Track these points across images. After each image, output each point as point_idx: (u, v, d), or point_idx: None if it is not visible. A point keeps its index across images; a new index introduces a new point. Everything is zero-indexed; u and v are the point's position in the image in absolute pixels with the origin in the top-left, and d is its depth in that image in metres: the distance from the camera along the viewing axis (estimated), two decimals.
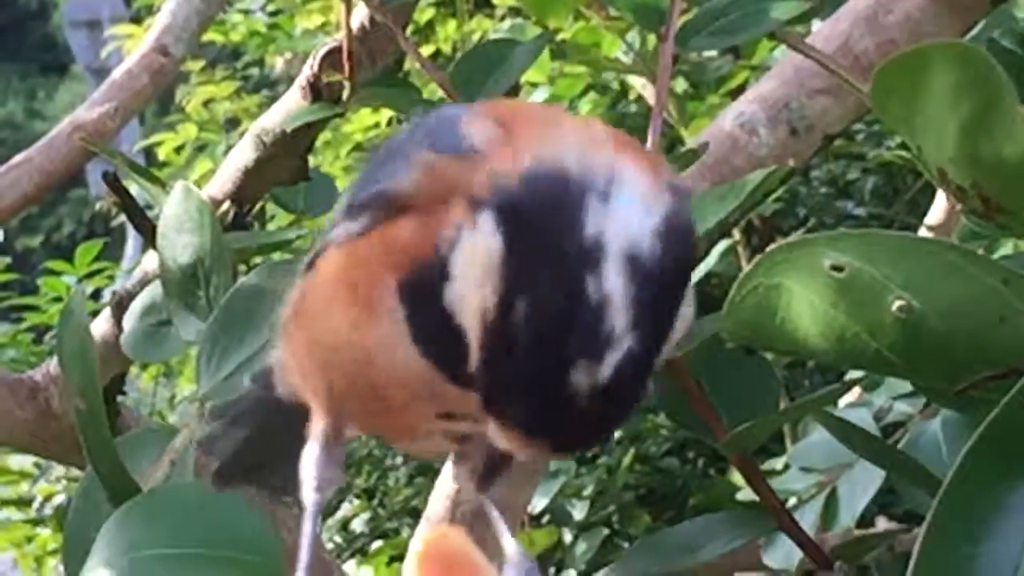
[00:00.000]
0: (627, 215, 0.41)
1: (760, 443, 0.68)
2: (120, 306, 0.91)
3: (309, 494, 0.56)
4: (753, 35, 0.73)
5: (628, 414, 0.42)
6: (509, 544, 0.55)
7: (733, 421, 0.66)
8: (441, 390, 0.47)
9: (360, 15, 0.80)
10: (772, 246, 0.55)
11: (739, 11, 0.72)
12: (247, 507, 0.62)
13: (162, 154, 2.52)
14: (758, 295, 0.55)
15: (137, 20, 2.73)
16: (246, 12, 2.47)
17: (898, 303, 0.51)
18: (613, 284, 0.40)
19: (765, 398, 0.69)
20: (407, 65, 0.93)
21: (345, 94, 0.80)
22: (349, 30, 0.78)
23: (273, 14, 2.51)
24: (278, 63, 2.61)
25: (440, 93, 0.74)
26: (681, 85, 1.96)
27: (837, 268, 0.52)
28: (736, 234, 1.61)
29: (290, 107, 0.86)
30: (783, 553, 0.81)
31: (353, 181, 0.53)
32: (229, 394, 0.70)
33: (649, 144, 0.70)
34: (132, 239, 4.71)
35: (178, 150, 2.53)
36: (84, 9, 11.21)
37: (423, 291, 0.44)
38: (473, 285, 0.42)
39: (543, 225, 0.41)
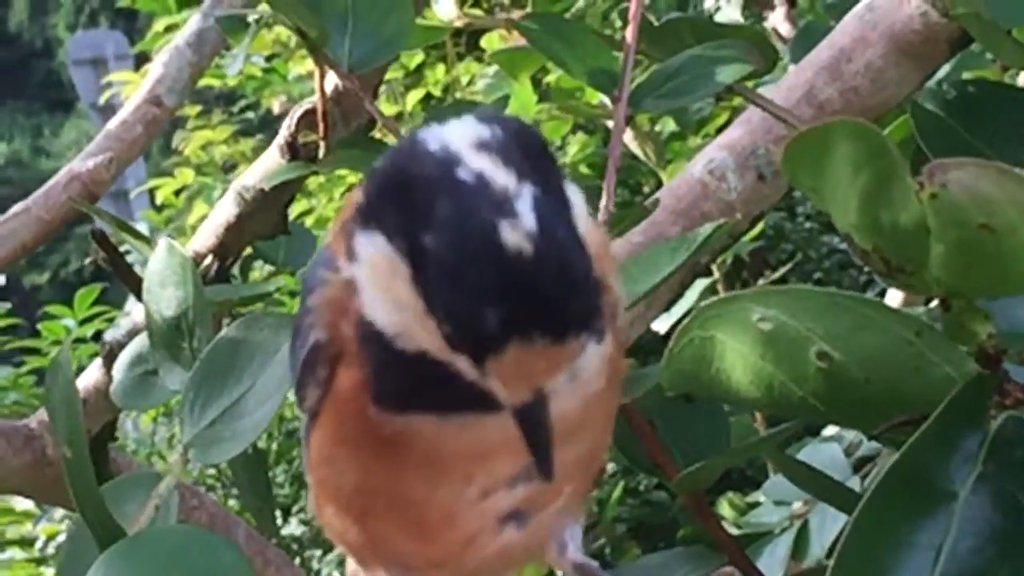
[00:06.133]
0: (458, 129, 0.44)
1: (711, 482, 0.71)
2: (111, 356, 0.94)
3: None
4: (701, 97, 0.77)
5: (584, 267, 0.43)
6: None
7: (685, 461, 0.69)
8: (452, 470, 0.50)
9: (334, 78, 0.83)
10: (709, 300, 0.58)
11: (688, 74, 0.76)
12: (228, 549, 0.65)
13: (160, 197, 2.56)
14: (694, 347, 0.58)
15: (141, 60, 2.76)
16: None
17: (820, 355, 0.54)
18: (477, 161, 0.42)
19: (716, 439, 0.72)
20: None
21: (320, 153, 0.84)
22: (323, 93, 0.82)
23: (269, 58, 2.54)
24: (275, 105, 2.64)
25: None
26: (671, 125, 1.99)
27: (765, 321, 0.55)
28: (715, 272, 1.64)
29: (269, 165, 0.90)
30: None
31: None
32: (211, 442, 0.73)
33: (604, 201, 0.74)
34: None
35: (178, 193, 2.57)
36: (88, 47, 11.21)
37: (382, 368, 0.48)
38: (386, 277, 0.44)
39: (398, 181, 0.44)
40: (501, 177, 0.42)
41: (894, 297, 1.26)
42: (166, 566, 0.63)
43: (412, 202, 0.43)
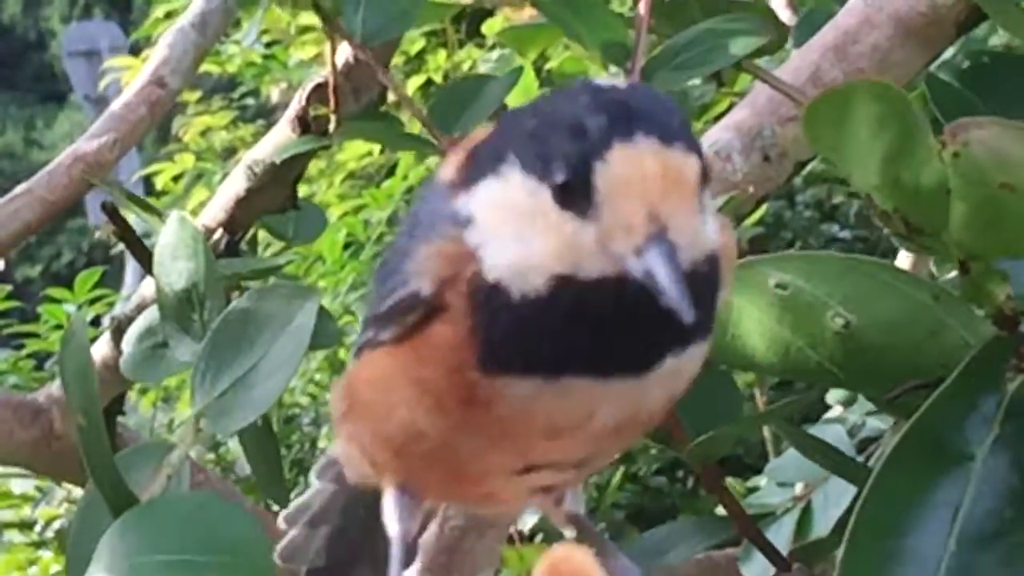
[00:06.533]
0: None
1: (723, 452, 0.71)
2: (119, 330, 0.94)
3: (393, 532, 0.57)
4: (714, 69, 0.77)
5: (679, 113, 0.43)
6: (615, 552, 0.57)
7: (696, 431, 0.70)
8: (517, 443, 0.49)
9: (346, 51, 0.83)
10: None
11: (701, 47, 0.76)
12: (240, 515, 0.65)
13: (160, 183, 2.56)
14: None
15: (135, 51, 2.75)
16: (240, 42, 2.50)
17: (837, 319, 0.55)
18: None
19: (727, 409, 0.72)
20: (393, 98, 0.96)
21: (331, 127, 0.84)
22: (334, 66, 0.82)
23: (268, 45, 2.54)
24: (274, 93, 2.64)
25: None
26: None
27: (782, 287, 0.56)
28: None
29: (279, 139, 0.90)
30: (760, 566, 0.83)
31: (376, 279, 0.54)
32: (223, 412, 0.73)
33: None
34: (131, 268, 4.72)
35: (176, 179, 2.56)
36: (82, 39, 11.20)
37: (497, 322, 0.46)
38: (505, 199, 0.45)
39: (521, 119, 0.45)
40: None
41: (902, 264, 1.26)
42: (181, 532, 0.64)
43: (530, 121, 0.44)
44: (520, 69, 0.78)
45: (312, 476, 0.67)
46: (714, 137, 0.86)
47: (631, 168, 0.42)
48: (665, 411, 0.51)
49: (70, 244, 12.27)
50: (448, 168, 0.49)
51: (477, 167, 0.46)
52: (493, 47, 2.22)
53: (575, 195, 0.43)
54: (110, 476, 0.68)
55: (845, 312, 0.55)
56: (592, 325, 0.44)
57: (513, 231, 0.45)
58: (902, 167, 0.48)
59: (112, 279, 2.84)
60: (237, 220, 0.95)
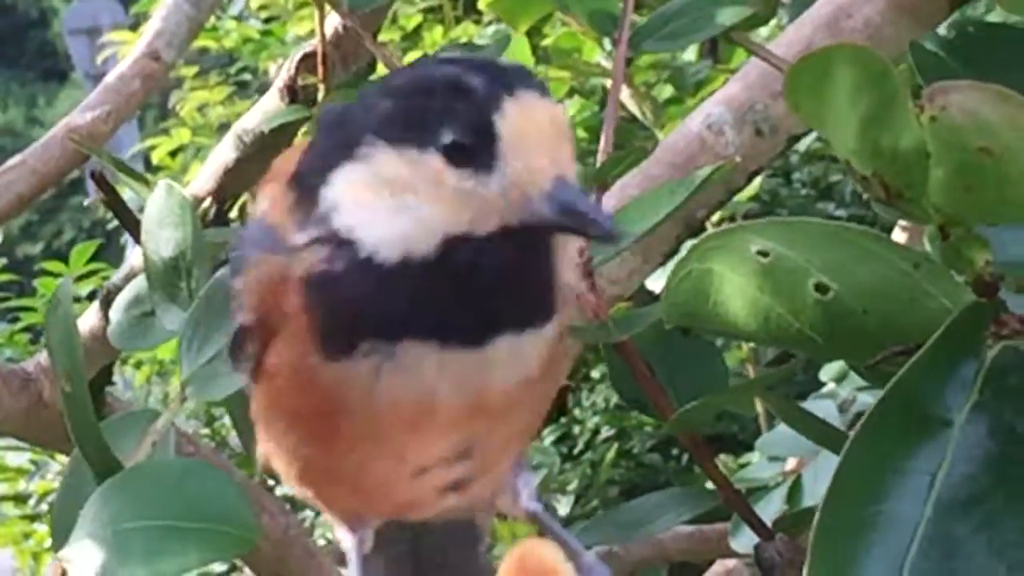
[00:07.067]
0: None
1: (708, 423, 0.71)
2: (108, 300, 0.94)
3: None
4: (702, 39, 0.77)
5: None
6: (580, 549, 0.57)
7: (681, 401, 0.70)
8: (386, 443, 0.50)
9: (334, 21, 0.83)
10: (708, 232, 0.59)
11: (688, 16, 0.76)
12: (225, 482, 0.65)
13: (156, 158, 2.55)
14: (692, 280, 0.58)
15: (136, 27, 2.75)
16: (239, 19, 2.50)
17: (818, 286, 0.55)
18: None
19: (712, 379, 0.72)
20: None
21: (320, 96, 0.84)
22: (323, 35, 0.82)
23: (267, 21, 2.54)
24: (271, 69, 2.64)
25: None
26: (668, 91, 1.99)
27: (763, 254, 0.55)
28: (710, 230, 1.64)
29: (268, 109, 0.90)
30: (749, 539, 0.83)
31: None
32: (209, 379, 0.73)
33: (602, 144, 0.74)
34: (131, 244, 4.71)
35: (173, 155, 2.56)
36: (84, 17, 11.17)
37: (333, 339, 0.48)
38: (387, 177, 0.46)
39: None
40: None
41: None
42: (165, 498, 0.64)
43: (383, 104, 0.47)
44: (508, 38, 0.78)
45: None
46: (706, 111, 0.86)
47: (527, 120, 0.45)
48: (534, 399, 0.52)
49: (71, 222, 12.27)
50: (262, 202, 0.52)
51: (311, 176, 0.48)
52: (490, 23, 2.21)
53: (470, 152, 0.45)
54: (94, 442, 0.68)
55: (826, 278, 0.54)
56: (443, 292, 0.46)
57: (391, 205, 0.46)
58: (880, 131, 0.48)
59: (113, 256, 2.84)
60: (226, 189, 0.95)
